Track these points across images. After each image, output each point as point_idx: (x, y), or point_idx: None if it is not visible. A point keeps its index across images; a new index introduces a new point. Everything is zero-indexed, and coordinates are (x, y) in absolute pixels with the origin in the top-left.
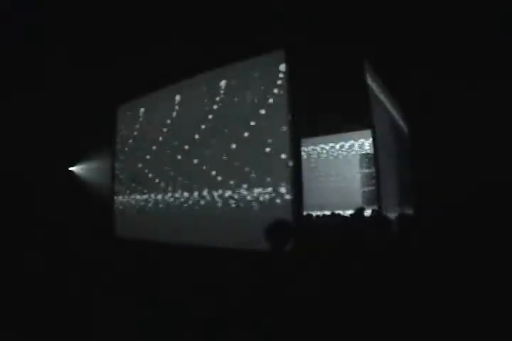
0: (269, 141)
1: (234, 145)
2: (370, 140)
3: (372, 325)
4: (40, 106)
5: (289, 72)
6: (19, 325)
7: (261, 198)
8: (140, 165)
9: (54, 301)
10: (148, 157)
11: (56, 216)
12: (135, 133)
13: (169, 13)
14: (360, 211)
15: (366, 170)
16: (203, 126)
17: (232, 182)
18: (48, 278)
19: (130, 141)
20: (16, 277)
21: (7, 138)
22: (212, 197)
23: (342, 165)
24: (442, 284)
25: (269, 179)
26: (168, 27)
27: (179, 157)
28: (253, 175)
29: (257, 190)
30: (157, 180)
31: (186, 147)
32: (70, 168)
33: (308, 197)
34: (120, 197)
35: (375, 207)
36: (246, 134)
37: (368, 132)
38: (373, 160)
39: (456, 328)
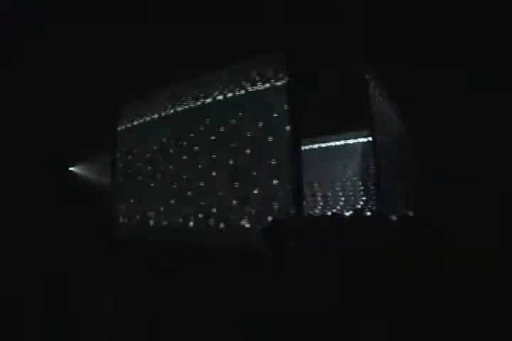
0: (271, 140)
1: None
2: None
3: (373, 324)
4: (40, 106)
5: (289, 74)
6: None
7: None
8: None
9: (55, 301)
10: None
11: (56, 215)
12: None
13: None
14: (359, 212)
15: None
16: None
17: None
18: (49, 278)
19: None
20: (17, 276)
21: (7, 138)
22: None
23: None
24: (442, 283)
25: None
26: (170, 28)
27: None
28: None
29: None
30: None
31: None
32: (70, 168)
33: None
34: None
35: (374, 208)
36: (249, 134)
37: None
38: (373, 161)
39: (457, 328)
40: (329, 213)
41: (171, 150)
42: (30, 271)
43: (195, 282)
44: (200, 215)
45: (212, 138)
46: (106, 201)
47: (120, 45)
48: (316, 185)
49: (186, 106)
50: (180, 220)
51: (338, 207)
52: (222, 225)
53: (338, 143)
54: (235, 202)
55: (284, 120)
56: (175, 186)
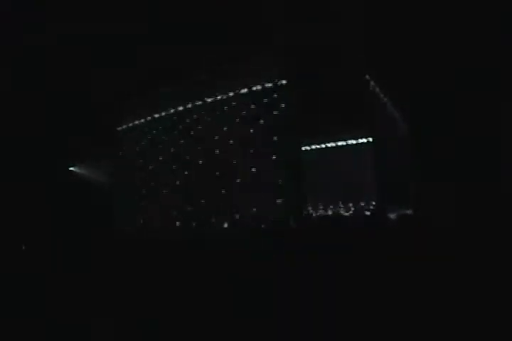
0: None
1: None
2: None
3: (372, 322)
4: (41, 107)
5: (289, 74)
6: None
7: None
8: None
9: (54, 298)
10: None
11: (56, 215)
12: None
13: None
14: (360, 211)
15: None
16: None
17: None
18: (49, 276)
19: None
20: (16, 275)
21: (8, 139)
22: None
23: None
24: (442, 281)
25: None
26: (170, 29)
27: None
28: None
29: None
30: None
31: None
32: (70, 168)
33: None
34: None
35: (375, 207)
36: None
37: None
38: (373, 161)
39: (456, 326)
40: (329, 213)
41: (171, 150)
42: (29, 270)
43: (195, 281)
44: (201, 215)
45: (212, 138)
46: (106, 200)
47: (121, 46)
48: (316, 185)
49: (186, 107)
50: (182, 219)
51: (338, 207)
52: (224, 225)
53: (338, 143)
54: (236, 202)
55: (284, 120)
56: (175, 185)
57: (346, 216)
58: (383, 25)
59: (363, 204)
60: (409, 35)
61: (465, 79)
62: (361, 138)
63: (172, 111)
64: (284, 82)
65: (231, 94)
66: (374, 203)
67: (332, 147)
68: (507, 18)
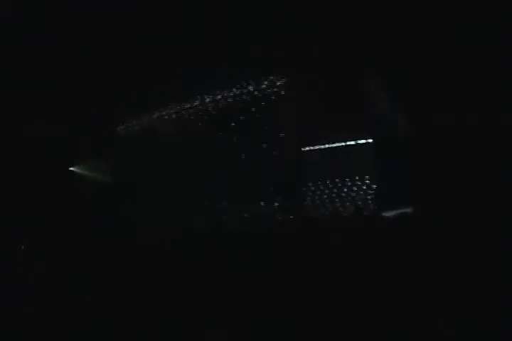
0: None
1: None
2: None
3: (371, 321)
4: (41, 107)
5: (289, 74)
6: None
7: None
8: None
9: (54, 300)
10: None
11: (56, 215)
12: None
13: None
14: (359, 211)
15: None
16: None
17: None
18: (48, 277)
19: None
20: (15, 276)
21: (8, 138)
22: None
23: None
24: (441, 281)
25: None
26: (170, 28)
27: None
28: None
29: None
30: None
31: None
32: (70, 168)
33: None
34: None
35: (374, 207)
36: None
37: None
38: (373, 161)
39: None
40: (329, 212)
41: (171, 151)
42: (29, 270)
43: (194, 282)
44: (200, 215)
45: (212, 138)
46: (105, 200)
47: (121, 46)
48: (316, 185)
49: (185, 107)
50: (180, 220)
51: (339, 207)
52: (223, 225)
53: (338, 144)
54: (236, 202)
55: (284, 121)
56: (174, 186)
57: (346, 216)
58: (383, 25)
59: (363, 204)
60: (409, 34)
61: (465, 78)
62: (361, 138)
63: (172, 110)
64: (282, 82)
65: (230, 93)
66: (373, 203)
67: (331, 147)
68: (506, 19)
